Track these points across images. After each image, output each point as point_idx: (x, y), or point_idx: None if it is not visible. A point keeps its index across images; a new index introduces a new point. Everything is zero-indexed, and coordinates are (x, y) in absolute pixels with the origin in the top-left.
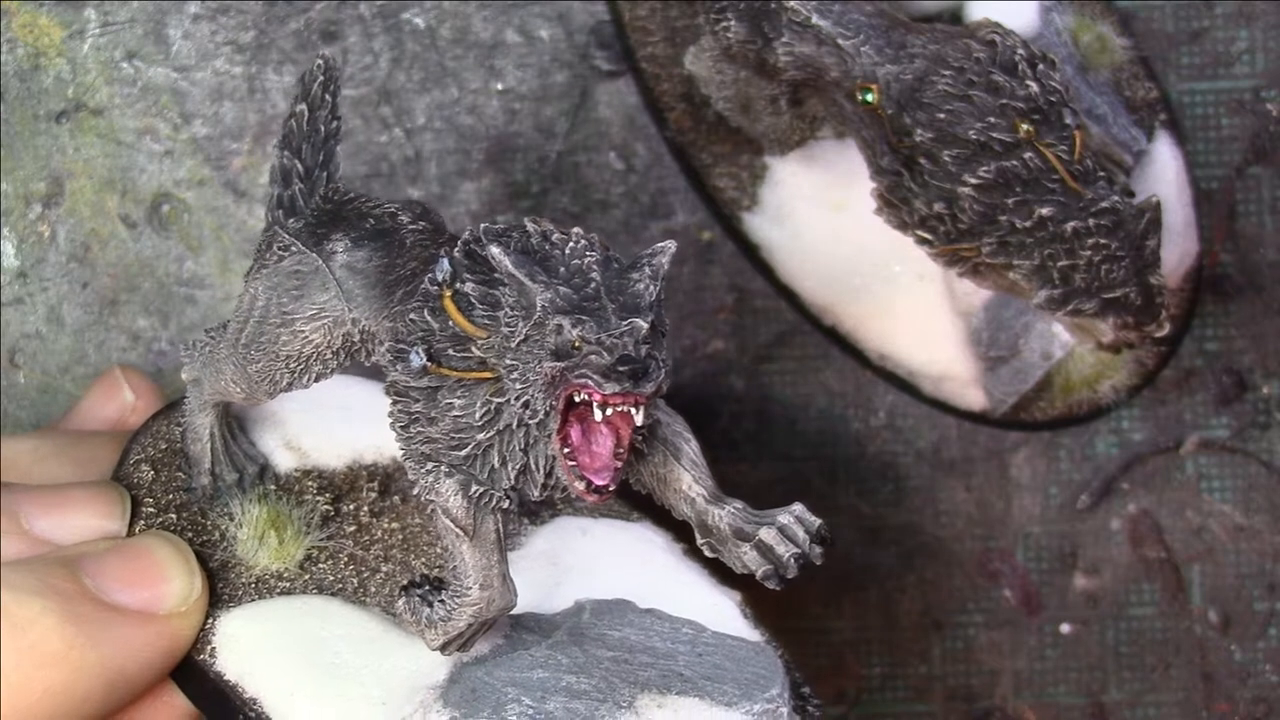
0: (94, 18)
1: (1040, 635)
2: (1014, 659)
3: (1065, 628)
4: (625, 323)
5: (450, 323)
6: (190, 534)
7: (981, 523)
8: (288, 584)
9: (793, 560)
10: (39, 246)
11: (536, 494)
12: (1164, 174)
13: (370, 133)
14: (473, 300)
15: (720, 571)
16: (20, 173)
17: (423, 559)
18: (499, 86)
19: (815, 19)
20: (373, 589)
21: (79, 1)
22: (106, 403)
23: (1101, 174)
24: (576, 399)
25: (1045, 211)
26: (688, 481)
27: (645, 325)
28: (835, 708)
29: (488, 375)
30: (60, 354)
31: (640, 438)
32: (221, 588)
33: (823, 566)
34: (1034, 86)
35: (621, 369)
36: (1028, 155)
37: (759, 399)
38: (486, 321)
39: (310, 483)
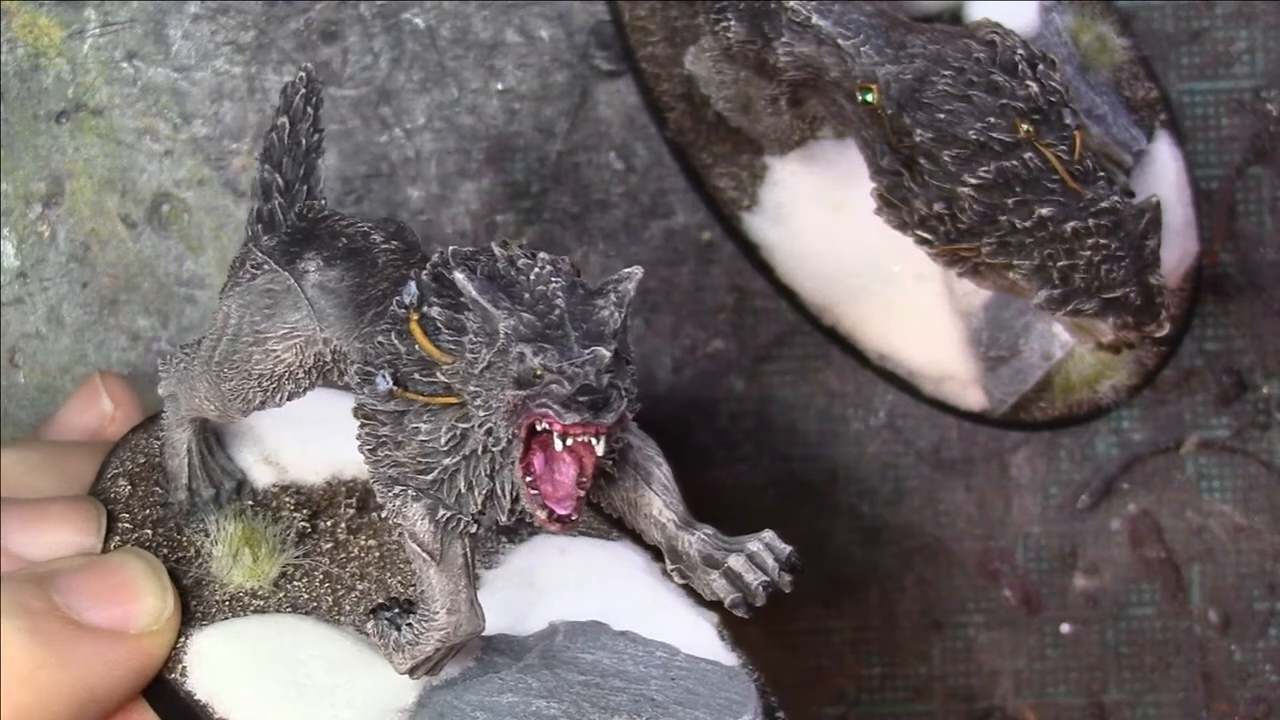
0: (94, 18)
1: (1040, 635)
2: (1014, 659)
3: (1065, 628)
4: (587, 352)
5: (416, 347)
6: (165, 550)
7: (981, 523)
8: (261, 602)
9: (761, 588)
10: (39, 246)
11: (504, 519)
12: (1164, 174)
13: (370, 133)
14: (439, 325)
15: (698, 593)
16: (20, 173)
17: (399, 577)
18: (499, 86)
19: (815, 19)
20: (347, 607)
21: (79, 1)
22: (85, 412)
23: (1101, 174)
24: (538, 428)
25: (1045, 211)
26: (658, 506)
27: (607, 354)
28: (835, 708)
29: (453, 400)
30: (60, 354)
31: (610, 462)
32: (195, 605)
33: (823, 566)
34: (1034, 86)
35: (582, 399)
36: (1028, 155)
37: (759, 399)
38: (452, 346)
39: (288, 499)
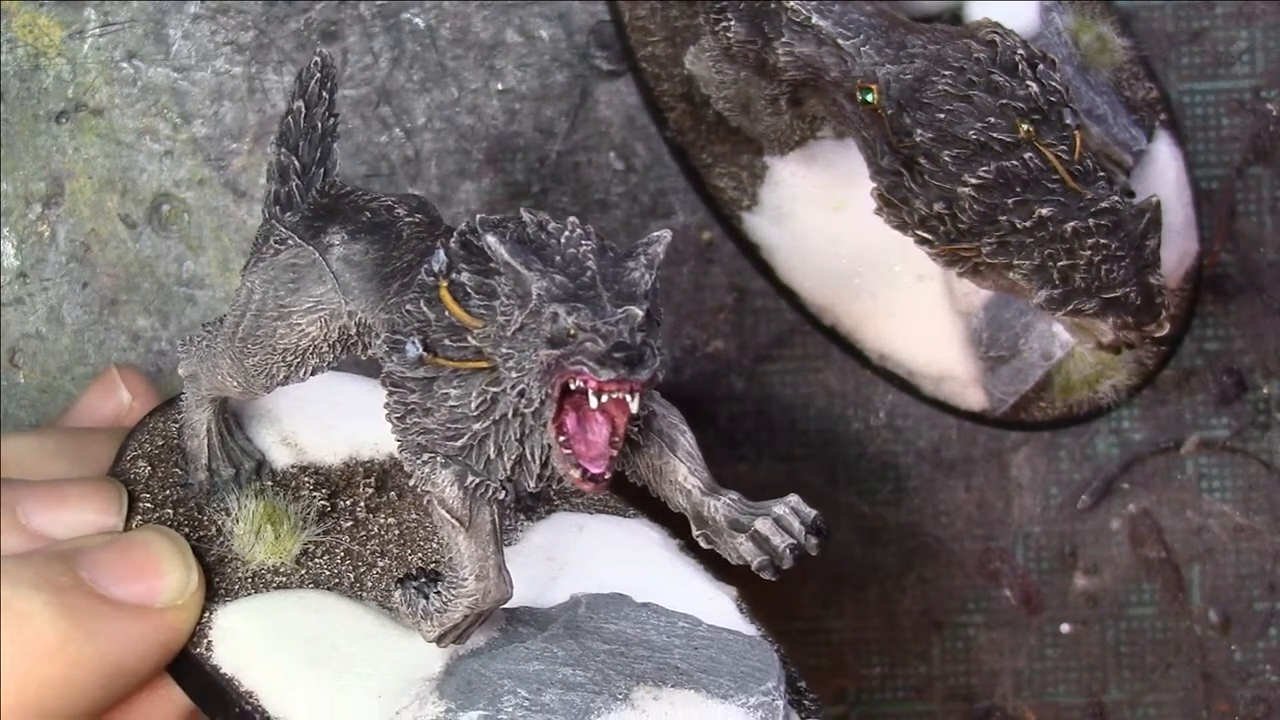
0: (94, 18)
1: (1040, 635)
2: (1014, 659)
3: (1065, 628)
4: (620, 310)
5: (446, 313)
6: (187, 529)
7: (981, 523)
8: (284, 578)
9: (788, 551)
10: (39, 246)
11: (532, 484)
12: (1164, 174)
13: (370, 133)
14: (469, 290)
15: (717, 566)
16: (20, 173)
17: (419, 554)
18: (499, 86)
19: (815, 19)
20: (369, 583)
21: (79, 1)
22: (104, 402)
23: (1101, 174)
24: (572, 387)
25: (1045, 211)
26: (683, 473)
27: (640, 313)
28: (835, 708)
29: (483, 365)
30: (60, 354)
31: (636, 429)
32: (218, 582)
33: (823, 565)
34: (1034, 86)
35: (617, 355)
36: (1028, 155)
37: (759, 399)
38: (482, 311)
39: (307, 479)
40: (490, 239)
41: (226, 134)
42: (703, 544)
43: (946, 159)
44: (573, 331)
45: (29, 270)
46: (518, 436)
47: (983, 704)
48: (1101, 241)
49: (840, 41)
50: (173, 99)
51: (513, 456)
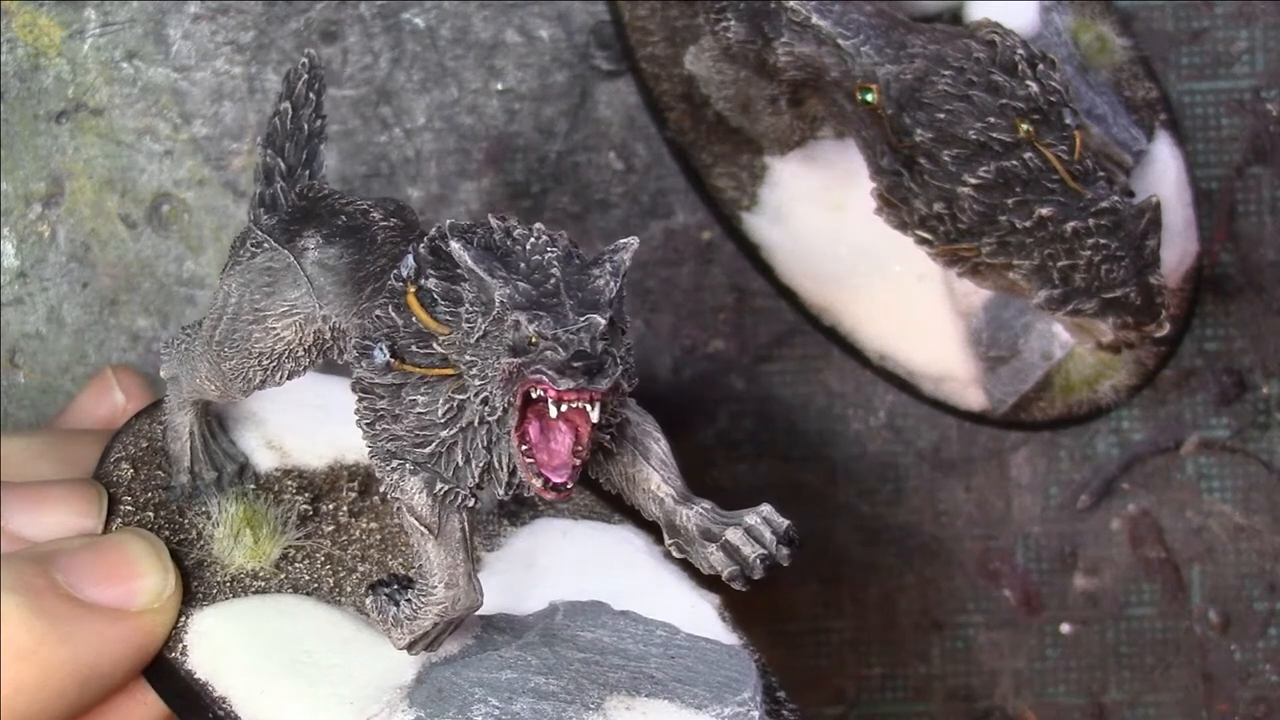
0: (94, 18)
1: (1040, 635)
2: (1014, 659)
3: (1065, 628)
4: (582, 319)
5: (414, 319)
6: (167, 532)
7: (981, 523)
8: (263, 583)
9: (759, 561)
10: (39, 246)
11: (502, 492)
12: (1164, 174)
13: (370, 133)
14: (435, 296)
15: (701, 574)
16: (20, 173)
17: (400, 559)
18: (499, 86)
19: (815, 19)
20: (348, 589)
21: (79, 1)
22: (98, 403)
23: (1101, 174)
24: (533, 395)
25: (1045, 211)
26: (656, 481)
27: (602, 321)
28: (835, 708)
29: (450, 372)
30: (60, 354)
31: (608, 436)
32: (196, 586)
33: (823, 565)
34: (1034, 86)
35: (576, 365)
36: (1028, 155)
37: (759, 399)
38: (448, 318)
39: (290, 482)
40: (455, 245)
41: (226, 134)
42: (675, 553)
43: (946, 159)
44: (534, 339)
45: (29, 270)
46: (485, 444)
47: (983, 704)
48: (1101, 241)
49: (840, 41)
50: (173, 99)
51: (481, 464)
